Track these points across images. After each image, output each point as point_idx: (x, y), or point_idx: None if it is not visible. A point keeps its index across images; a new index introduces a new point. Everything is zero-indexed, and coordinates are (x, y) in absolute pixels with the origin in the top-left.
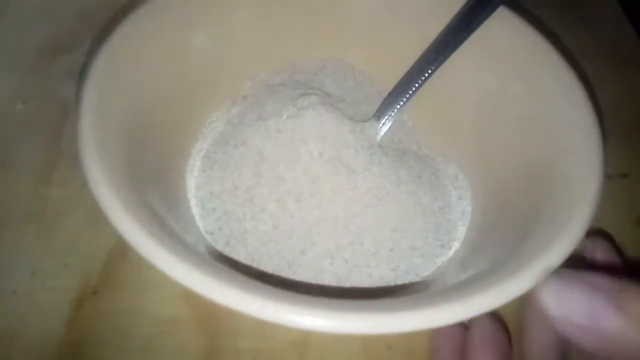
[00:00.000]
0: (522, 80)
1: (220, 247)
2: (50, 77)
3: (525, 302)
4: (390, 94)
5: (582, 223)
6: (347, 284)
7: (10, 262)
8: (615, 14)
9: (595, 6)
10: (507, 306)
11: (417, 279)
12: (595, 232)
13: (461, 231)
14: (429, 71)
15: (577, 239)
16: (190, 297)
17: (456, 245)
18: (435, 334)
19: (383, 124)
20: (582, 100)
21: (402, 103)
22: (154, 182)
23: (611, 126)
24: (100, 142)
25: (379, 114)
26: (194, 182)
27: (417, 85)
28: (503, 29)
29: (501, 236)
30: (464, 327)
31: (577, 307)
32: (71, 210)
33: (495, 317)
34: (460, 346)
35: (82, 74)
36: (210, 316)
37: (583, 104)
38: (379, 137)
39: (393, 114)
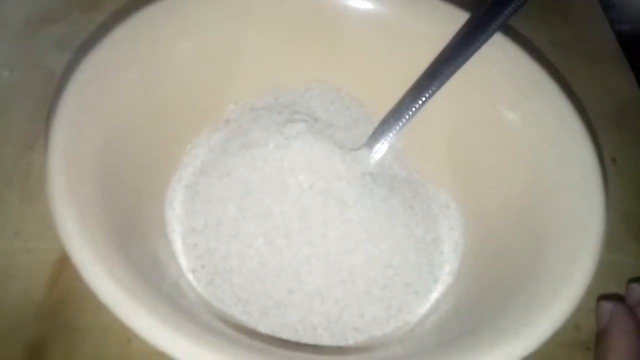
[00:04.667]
0: (518, 110)
1: (203, 285)
2: (37, 47)
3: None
4: (382, 122)
5: (580, 285)
6: (339, 324)
7: None
8: (591, 8)
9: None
10: None
11: (410, 317)
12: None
13: (454, 264)
14: (423, 99)
15: (571, 308)
16: None
17: (449, 279)
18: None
19: (375, 152)
20: (581, 134)
21: (395, 131)
22: (131, 220)
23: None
24: (72, 186)
25: (371, 142)
26: (174, 215)
27: (410, 113)
28: (499, 57)
29: (493, 277)
30: None
31: None
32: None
33: None
34: None
35: (50, 110)
36: None
37: (582, 138)
38: (370, 167)
39: (386, 142)
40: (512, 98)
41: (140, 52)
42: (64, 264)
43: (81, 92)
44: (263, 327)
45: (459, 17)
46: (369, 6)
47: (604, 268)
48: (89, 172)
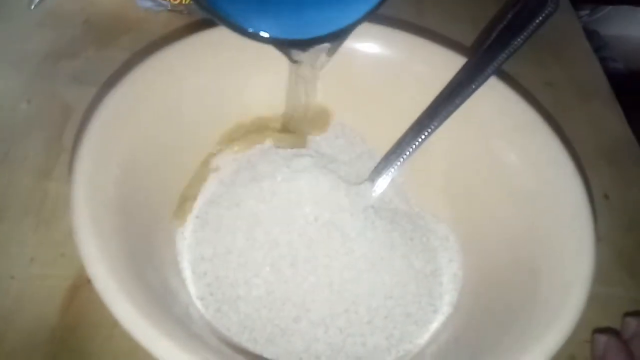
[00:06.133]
0: (511, 149)
1: (211, 312)
2: (54, 80)
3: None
4: (384, 157)
5: (572, 316)
6: (342, 354)
7: (10, 249)
8: (582, 48)
9: (565, 40)
10: None
11: (411, 347)
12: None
13: (453, 295)
14: (423, 136)
15: (566, 334)
16: None
17: (449, 310)
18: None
19: (377, 186)
20: (571, 172)
21: (396, 166)
22: (145, 248)
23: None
24: (95, 216)
25: (374, 176)
26: (184, 244)
27: (411, 149)
28: (493, 98)
29: (490, 308)
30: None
31: None
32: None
33: None
34: None
35: (74, 143)
36: None
37: (572, 176)
38: (373, 200)
39: (387, 176)
40: (505, 137)
41: (156, 90)
42: (76, 290)
43: (103, 127)
44: (269, 355)
45: (457, 61)
46: (374, 49)
47: (599, 302)
48: (109, 203)
